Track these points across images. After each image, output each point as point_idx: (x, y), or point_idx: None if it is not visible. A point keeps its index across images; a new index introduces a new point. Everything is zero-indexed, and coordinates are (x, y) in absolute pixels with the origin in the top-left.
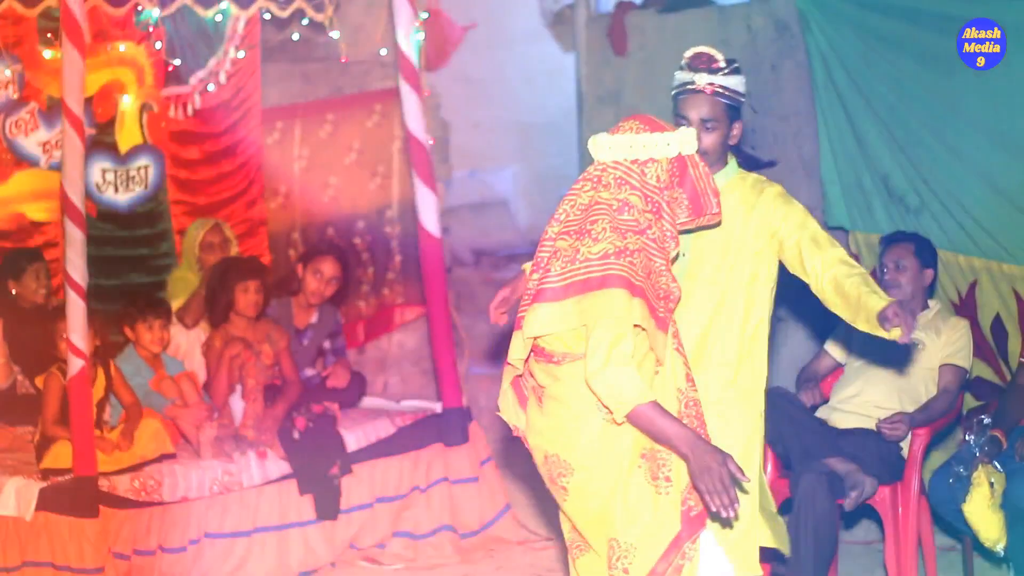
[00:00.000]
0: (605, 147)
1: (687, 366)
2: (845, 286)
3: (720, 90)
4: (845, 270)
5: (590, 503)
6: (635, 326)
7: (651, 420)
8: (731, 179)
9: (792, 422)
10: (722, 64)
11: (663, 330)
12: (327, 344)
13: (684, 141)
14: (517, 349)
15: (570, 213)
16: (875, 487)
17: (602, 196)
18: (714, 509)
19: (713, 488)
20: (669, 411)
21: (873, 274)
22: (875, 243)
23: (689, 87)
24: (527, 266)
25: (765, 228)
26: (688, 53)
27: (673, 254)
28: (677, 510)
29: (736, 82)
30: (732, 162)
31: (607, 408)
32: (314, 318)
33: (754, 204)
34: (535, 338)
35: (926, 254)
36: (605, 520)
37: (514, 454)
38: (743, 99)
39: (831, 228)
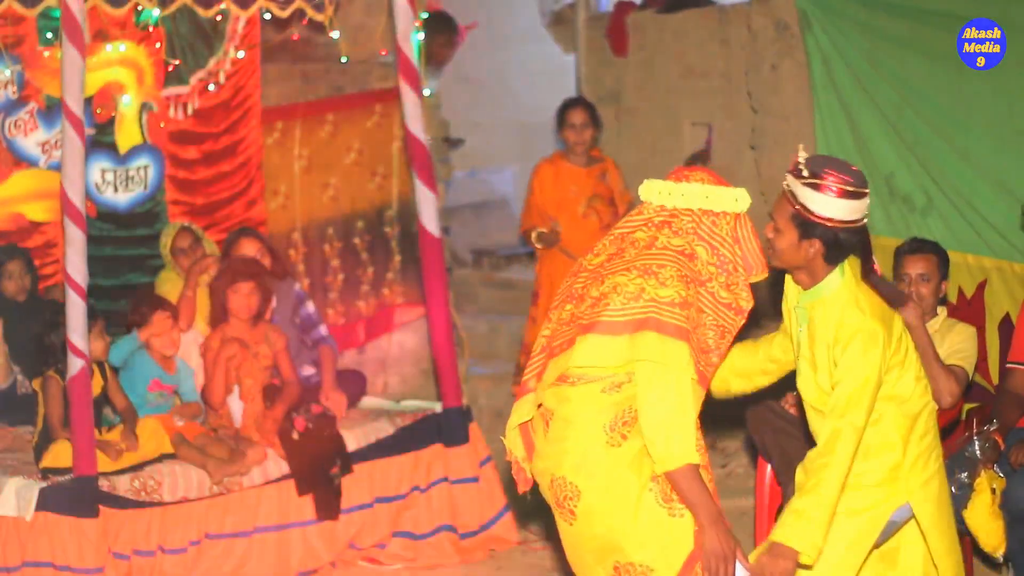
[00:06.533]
0: (677, 193)
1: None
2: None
3: (787, 190)
4: (809, 462)
5: (597, 528)
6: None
7: (689, 483)
8: (834, 291)
9: (776, 432)
10: (800, 168)
11: (703, 386)
12: (300, 312)
13: (744, 199)
14: (551, 373)
15: (624, 250)
16: None
17: (673, 243)
18: None
19: (715, 570)
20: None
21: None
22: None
23: None
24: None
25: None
26: None
27: (739, 320)
28: (690, 530)
29: (805, 195)
30: (836, 273)
31: (652, 456)
32: (274, 302)
33: (837, 328)
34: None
35: (945, 266)
36: (611, 546)
37: None
38: (816, 217)
39: None
